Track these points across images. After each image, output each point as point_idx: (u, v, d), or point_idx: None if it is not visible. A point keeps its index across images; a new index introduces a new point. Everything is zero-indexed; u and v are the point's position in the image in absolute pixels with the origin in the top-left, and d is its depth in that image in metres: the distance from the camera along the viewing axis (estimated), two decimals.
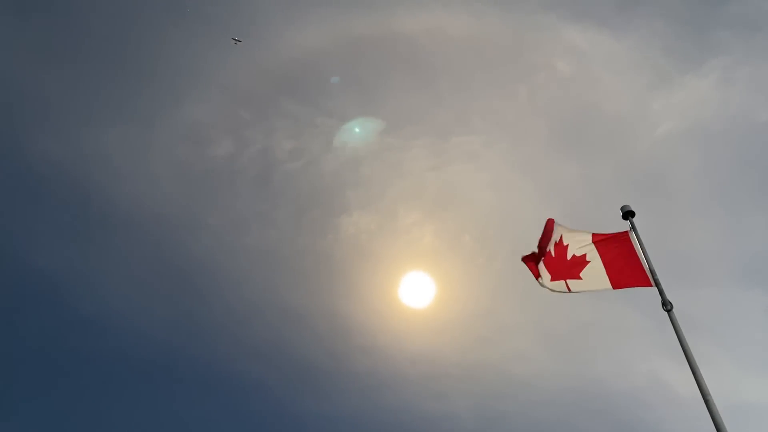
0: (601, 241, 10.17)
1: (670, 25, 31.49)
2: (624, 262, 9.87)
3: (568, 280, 10.09)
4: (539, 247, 10.25)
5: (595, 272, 10.02)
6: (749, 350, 27.98)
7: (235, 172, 34.33)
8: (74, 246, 32.89)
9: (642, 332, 28.90)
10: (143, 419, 31.08)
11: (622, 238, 10.08)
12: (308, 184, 34.72)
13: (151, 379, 32.58)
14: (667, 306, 8.95)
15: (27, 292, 32.28)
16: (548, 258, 10.18)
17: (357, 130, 33.07)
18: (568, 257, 10.18)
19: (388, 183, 34.53)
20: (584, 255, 10.15)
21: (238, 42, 30.37)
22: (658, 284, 9.30)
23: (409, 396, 31.22)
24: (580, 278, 10.07)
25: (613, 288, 9.90)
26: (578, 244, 10.20)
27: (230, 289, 34.07)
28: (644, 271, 9.56)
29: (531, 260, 10.33)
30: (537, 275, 10.22)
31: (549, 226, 10.29)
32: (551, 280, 10.14)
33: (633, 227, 10.21)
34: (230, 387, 33.06)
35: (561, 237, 10.22)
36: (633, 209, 10.48)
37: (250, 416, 32.48)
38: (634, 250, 9.87)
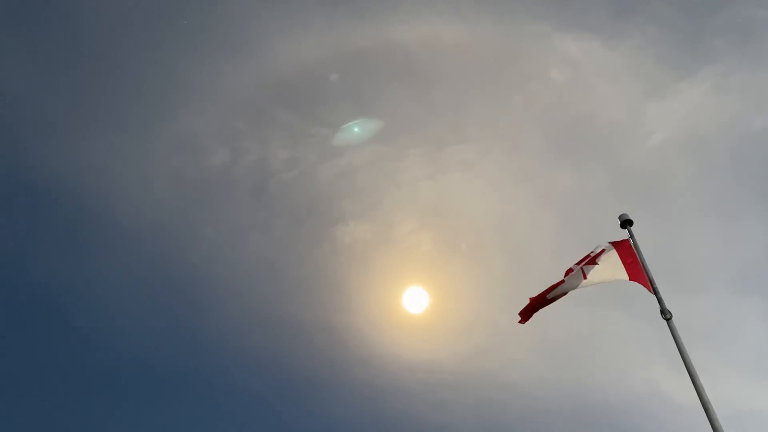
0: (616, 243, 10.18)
1: (664, 33, 31.61)
2: (632, 266, 9.88)
3: (584, 266, 9.99)
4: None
5: (613, 261, 9.95)
6: (748, 358, 27.94)
7: (230, 182, 34.23)
8: (70, 257, 32.71)
9: (640, 341, 28.84)
10: (139, 430, 30.85)
11: (626, 246, 10.12)
12: (304, 194, 34.64)
13: (146, 390, 32.36)
14: (666, 314, 8.93)
15: (22, 303, 32.08)
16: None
17: (356, 129, 33.18)
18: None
19: (384, 192, 34.49)
20: (603, 250, 10.13)
21: None
22: (656, 293, 9.31)
23: (406, 406, 31.08)
24: (596, 263, 10.00)
25: (630, 279, 9.76)
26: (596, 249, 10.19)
27: (227, 299, 33.91)
28: (646, 278, 9.59)
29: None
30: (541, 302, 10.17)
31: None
32: (565, 275, 10.02)
33: (631, 236, 10.25)
34: (227, 398, 32.84)
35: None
36: (631, 218, 10.54)
37: (246, 427, 32.26)
38: (638, 258, 9.89)
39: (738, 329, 29.04)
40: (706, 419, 7.68)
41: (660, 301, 9.16)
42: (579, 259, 10.12)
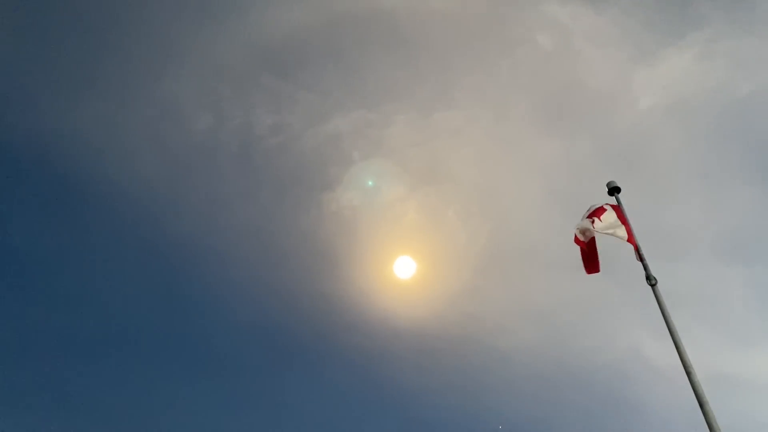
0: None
1: None
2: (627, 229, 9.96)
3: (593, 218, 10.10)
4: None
5: (613, 219, 10.03)
6: (729, 323, 28.53)
7: (215, 148, 33.83)
8: (52, 224, 32.38)
9: (623, 306, 29.33)
10: (127, 399, 31.03)
11: (618, 210, 10.21)
12: (290, 160, 34.36)
13: (133, 360, 32.45)
14: (651, 281, 9.03)
15: (4, 271, 31.82)
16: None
17: (370, 183, 33.34)
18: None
19: (371, 159, 34.35)
20: (603, 208, 10.20)
21: None
22: (642, 259, 9.40)
23: (394, 371, 31.53)
24: (600, 221, 10.08)
25: (627, 240, 9.87)
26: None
27: (213, 267, 33.86)
28: (634, 243, 9.69)
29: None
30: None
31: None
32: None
33: (619, 203, 10.31)
34: (214, 365, 33.06)
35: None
36: (618, 185, 10.59)
37: (235, 393, 32.58)
38: (628, 223, 9.99)
39: (720, 295, 29.60)
40: (688, 382, 7.84)
41: (645, 267, 9.26)
42: (585, 214, 10.22)
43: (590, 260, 10.29)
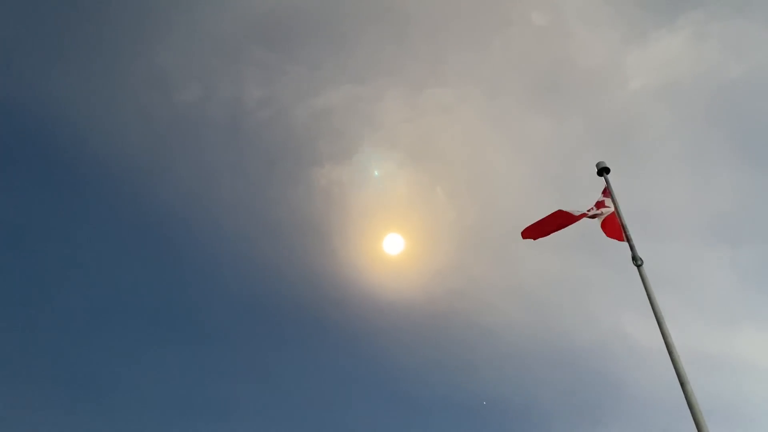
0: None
1: None
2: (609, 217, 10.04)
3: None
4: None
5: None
6: (712, 304, 28.90)
7: (203, 121, 33.42)
8: (37, 195, 32.02)
9: (608, 286, 29.59)
10: (114, 370, 31.08)
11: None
12: (278, 135, 34.05)
13: (120, 333, 32.41)
14: (637, 261, 9.11)
15: None
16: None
17: (376, 173, 33.07)
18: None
19: (361, 134, 34.15)
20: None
21: None
22: (629, 240, 9.47)
23: (381, 346, 31.75)
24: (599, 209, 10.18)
25: (602, 222, 9.99)
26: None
27: (200, 240, 33.70)
28: (620, 226, 9.74)
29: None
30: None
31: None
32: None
33: (608, 184, 10.36)
34: (200, 340, 33.12)
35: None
36: (608, 165, 10.63)
37: (220, 368, 32.72)
38: (615, 207, 10.05)
39: (704, 276, 29.92)
40: (670, 362, 7.95)
41: (632, 248, 9.32)
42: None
43: (539, 229, 10.38)
